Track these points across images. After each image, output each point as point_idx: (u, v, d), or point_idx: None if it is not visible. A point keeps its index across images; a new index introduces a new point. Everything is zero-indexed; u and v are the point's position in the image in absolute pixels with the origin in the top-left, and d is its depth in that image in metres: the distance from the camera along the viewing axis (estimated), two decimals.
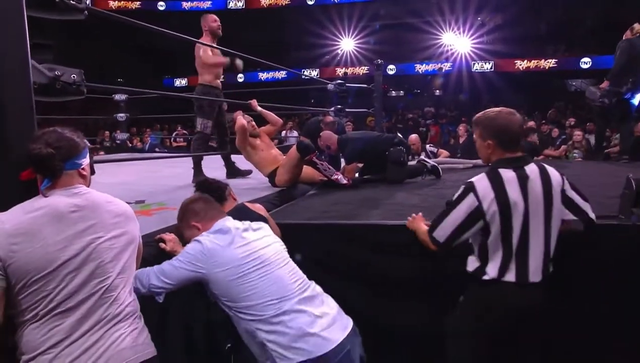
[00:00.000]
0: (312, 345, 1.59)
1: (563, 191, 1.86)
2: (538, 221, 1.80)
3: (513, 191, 1.77)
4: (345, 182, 3.66)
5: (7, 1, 1.50)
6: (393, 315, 2.28)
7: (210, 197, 1.98)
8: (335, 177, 3.65)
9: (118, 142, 6.98)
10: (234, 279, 1.63)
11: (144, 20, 3.25)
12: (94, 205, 1.39)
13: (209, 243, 1.66)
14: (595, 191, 3.14)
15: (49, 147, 1.34)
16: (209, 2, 16.74)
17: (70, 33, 12.72)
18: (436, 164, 4.08)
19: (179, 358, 1.99)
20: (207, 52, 4.05)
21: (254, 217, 2.25)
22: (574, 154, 7.05)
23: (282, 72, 15.92)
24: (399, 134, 5.02)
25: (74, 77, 1.79)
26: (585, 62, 14.03)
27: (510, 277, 1.79)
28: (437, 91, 17.93)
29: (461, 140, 7.49)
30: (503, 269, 1.79)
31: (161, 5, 16.85)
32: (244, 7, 16.75)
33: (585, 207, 1.92)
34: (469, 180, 1.84)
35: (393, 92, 18.57)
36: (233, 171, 4.32)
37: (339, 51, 16.62)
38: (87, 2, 1.95)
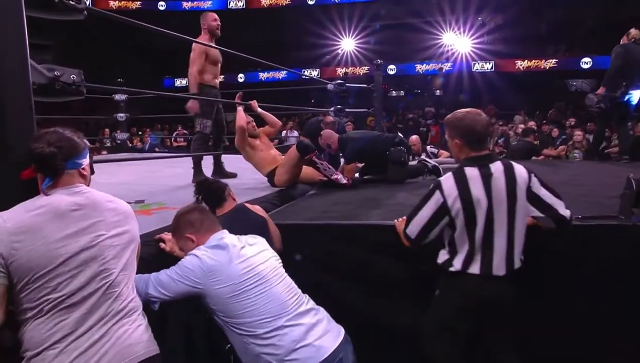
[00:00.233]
0: (306, 355, 1.62)
1: (529, 188, 1.90)
2: (502, 216, 1.86)
3: (476, 188, 1.86)
4: (345, 181, 3.65)
5: (6, 1, 1.50)
6: (393, 315, 2.29)
7: (205, 207, 1.97)
8: (335, 176, 3.64)
9: (118, 142, 6.98)
10: (232, 296, 1.63)
11: (145, 20, 3.25)
12: (95, 203, 1.41)
13: (207, 259, 1.66)
14: (596, 191, 3.14)
15: (51, 146, 1.36)
16: (209, 2, 16.73)
17: (69, 33, 12.69)
18: (437, 164, 4.08)
19: (178, 358, 1.99)
20: (194, 58, 3.99)
21: (253, 217, 2.25)
22: (575, 154, 7.05)
23: (282, 72, 15.91)
24: (400, 134, 5.02)
25: (73, 77, 1.79)
26: (586, 62, 14.02)
27: (475, 269, 1.88)
28: (438, 91, 17.91)
29: None
30: (468, 262, 1.88)
31: (161, 5, 16.82)
32: (244, 6, 16.73)
33: (556, 204, 1.93)
34: (438, 179, 1.98)
35: (393, 92, 18.53)
36: (219, 171, 4.29)
37: (339, 51, 16.59)
38: (87, 3, 1.95)
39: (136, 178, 4.45)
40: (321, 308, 1.79)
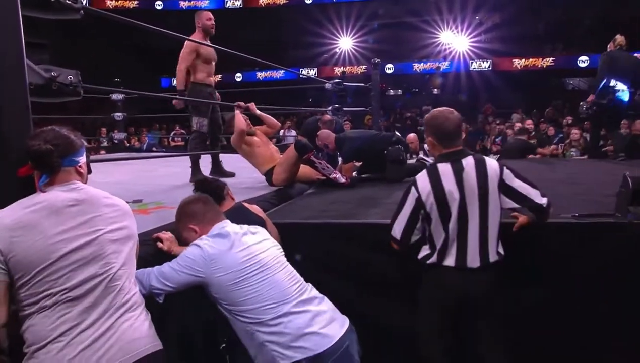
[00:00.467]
0: (312, 343, 1.61)
1: (502, 180, 1.94)
2: (474, 209, 1.91)
3: (448, 182, 1.92)
4: (343, 180, 3.65)
5: (1, 1, 1.49)
6: (392, 314, 2.29)
7: (209, 197, 1.97)
8: (334, 175, 3.64)
9: (116, 141, 6.98)
10: (234, 283, 1.63)
11: (142, 20, 3.24)
12: (92, 199, 1.42)
13: (209, 248, 1.67)
14: (592, 189, 3.15)
15: (48, 143, 1.38)
16: (207, 1, 16.69)
17: (65, 32, 12.64)
18: None
19: (174, 357, 1.98)
20: (184, 55, 3.99)
21: (252, 217, 2.24)
22: (572, 153, 7.06)
23: (280, 71, 15.88)
24: (397, 133, 5.02)
25: (70, 77, 1.78)
26: (583, 61, 14.06)
27: (450, 261, 1.93)
28: (435, 90, 17.92)
29: None
30: (443, 254, 1.94)
31: (159, 5, 16.78)
32: (241, 5, 16.71)
33: (531, 193, 1.96)
34: (414, 178, 2.03)
35: (391, 91, 18.55)
36: (217, 171, 4.28)
37: (337, 50, 16.60)
38: (84, 2, 1.94)
39: (133, 177, 4.44)
40: (325, 297, 1.79)
